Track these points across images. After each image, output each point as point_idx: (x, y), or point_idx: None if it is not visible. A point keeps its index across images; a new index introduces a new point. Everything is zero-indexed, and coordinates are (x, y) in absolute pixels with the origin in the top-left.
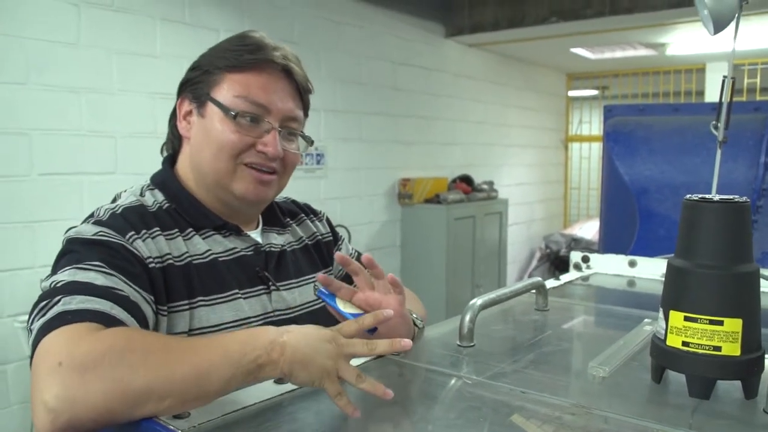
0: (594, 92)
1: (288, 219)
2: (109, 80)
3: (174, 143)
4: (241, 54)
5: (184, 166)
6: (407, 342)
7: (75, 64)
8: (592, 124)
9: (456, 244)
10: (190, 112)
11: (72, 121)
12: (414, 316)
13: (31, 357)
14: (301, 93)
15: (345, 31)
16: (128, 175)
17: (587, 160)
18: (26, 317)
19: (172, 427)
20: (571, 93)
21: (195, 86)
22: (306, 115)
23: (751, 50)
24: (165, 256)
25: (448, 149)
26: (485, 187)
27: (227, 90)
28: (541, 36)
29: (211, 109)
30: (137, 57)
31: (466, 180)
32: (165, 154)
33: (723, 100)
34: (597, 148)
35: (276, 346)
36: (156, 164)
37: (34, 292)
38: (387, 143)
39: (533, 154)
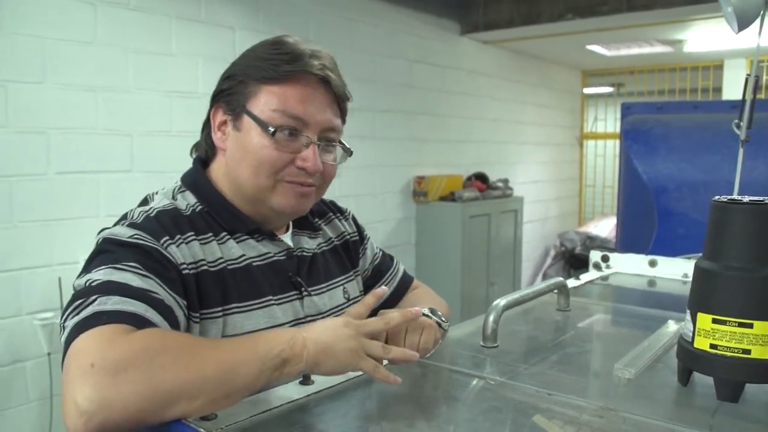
0: (609, 89)
1: (317, 220)
2: (125, 79)
3: (208, 151)
4: (278, 64)
5: (218, 174)
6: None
7: (91, 63)
8: (608, 121)
9: (471, 242)
10: (224, 123)
11: (88, 119)
12: (439, 315)
13: (64, 354)
14: (339, 101)
15: (360, 29)
16: (144, 173)
17: (602, 157)
18: (44, 315)
19: (201, 429)
20: (587, 90)
21: (229, 97)
22: (344, 122)
23: None
24: (199, 262)
25: (463, 147)
26: (500, 184)
27: (264, 103)
28: (556, 33)
29: (248, 122)
30: (153, 55)
31: (481, 178)
32: (194, 155)
33: (746, 98)
34: (612, 145)
35: (297, 341)
36: (171, 162)
37: (51, 291)
38: (402, 141)
39: (548, 151)
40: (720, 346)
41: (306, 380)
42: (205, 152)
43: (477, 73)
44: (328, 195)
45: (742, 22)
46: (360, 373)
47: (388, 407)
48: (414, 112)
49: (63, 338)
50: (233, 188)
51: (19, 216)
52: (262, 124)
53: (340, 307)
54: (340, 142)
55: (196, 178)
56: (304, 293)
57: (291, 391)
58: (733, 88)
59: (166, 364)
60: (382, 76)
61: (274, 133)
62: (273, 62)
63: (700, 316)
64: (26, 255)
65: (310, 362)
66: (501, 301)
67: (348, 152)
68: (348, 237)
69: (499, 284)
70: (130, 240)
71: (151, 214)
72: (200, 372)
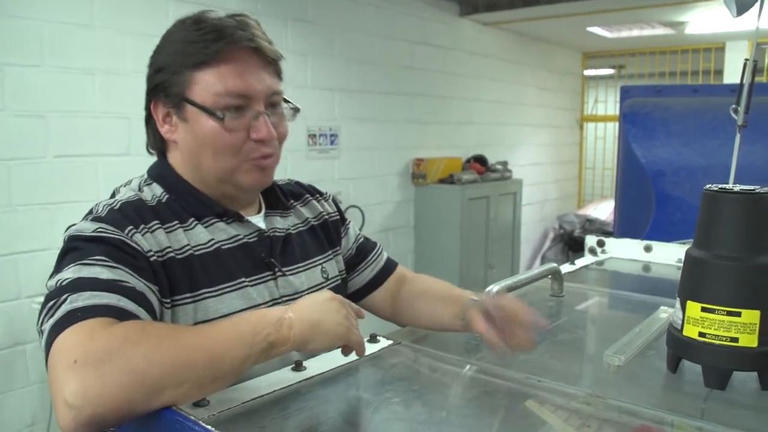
0: (610, 71)
1: (292, 201)
2: (122, 61)
3: (158, 145)
4: (206, 45)
5: (177, 164)
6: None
7: (89, 46)
8: (608, 103)
9: (470, 224)
10: (167, 114)
11: (86, 102)
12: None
13: (46, 358)
14: (274, 63)
15: (360, 10)
16: (142, 156)
17: (602, 140)
18: (43, 298)
19: (192, 417)
20: (587, 72)
21: (166, 90)
22: (281, 79)
23: None
24: (165, 250)
25: (463, 129)
26: (499, 167)
27: (202, 89)
28: (557, 14)
29: (192, 111)
30: (151, 38)
31: (481, 160)
32: (152, 151)
33: (744, 82)
34: (612, 128)
35: (284, 322)
36: None
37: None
38: (401, 123)
39: (548, 133)
40: (708, 334)
41: (298, 366)
42: (157, 147)
43: (477, 54)
44: (326, 177)
45: (741, 7)
46: (351, 359)
47: (380, 393)
48: (414, 93)
49: (42, 342)
50: (196, 176)
51: (17, 199)
52: (208, 111)
53: (317, 286)
54: (285, 100)
55: (162, 169)
56: (278, 273)
57: (283, 377)
58: (734, 71)
59: (149, 353)
60: (382, 58)
61: (222, 118)
62: (199, 45)
63: (689, 304)
64: (25, 238)
65: (297, 343)
66: (494, 287)
67: (295, 109)
68: (327, 217)
69: (497, 267)
70: (94, 234)
71: (115, 207)
72: (185, 359)
